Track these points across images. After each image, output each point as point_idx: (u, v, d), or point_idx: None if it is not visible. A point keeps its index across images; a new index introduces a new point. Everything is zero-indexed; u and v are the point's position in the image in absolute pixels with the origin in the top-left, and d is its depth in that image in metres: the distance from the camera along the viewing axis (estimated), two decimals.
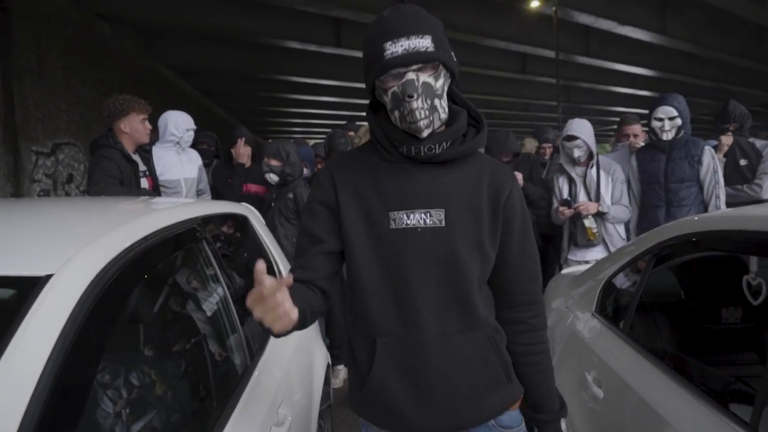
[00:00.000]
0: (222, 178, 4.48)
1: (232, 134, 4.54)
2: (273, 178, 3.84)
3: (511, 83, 18.36)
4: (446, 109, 1.22)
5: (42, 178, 7.41)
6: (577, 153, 3.42)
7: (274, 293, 1.00)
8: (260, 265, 0.99)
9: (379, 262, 1.24)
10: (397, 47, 1.14)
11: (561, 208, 3.48)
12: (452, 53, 1.22)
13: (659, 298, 2.14)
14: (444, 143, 1.22)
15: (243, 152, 4.36)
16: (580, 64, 15.66)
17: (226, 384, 1.58)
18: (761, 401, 1.20)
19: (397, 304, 1.24)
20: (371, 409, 1.31)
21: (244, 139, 4.41)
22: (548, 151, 4.86)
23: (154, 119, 3.81)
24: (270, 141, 4.47)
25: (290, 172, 3.96)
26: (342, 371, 4.07)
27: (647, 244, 2.01)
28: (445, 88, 1.21)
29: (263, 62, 14.07)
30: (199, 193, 4.09)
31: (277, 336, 1.11)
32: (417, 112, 1.16)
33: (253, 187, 4.30)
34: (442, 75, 1.19)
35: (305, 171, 4.52)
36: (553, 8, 10.97)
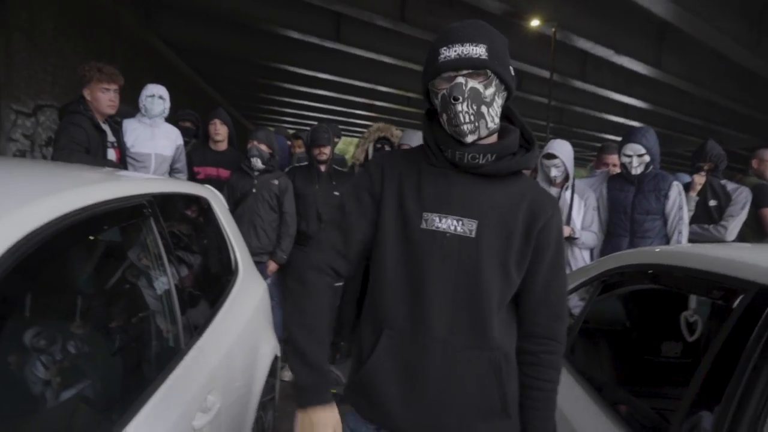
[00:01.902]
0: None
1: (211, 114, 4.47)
2: (258, 164, 3.82)
3: None
4: (496, 119, 1.23)
5: (20, 138, 7.28)
6: (554, 172, 3.44)
7: None
8: None
9: (403, 258, 1.25)
10: (450, 52, 1.18)
11: None
12: (511, 70, 1.24)
13: (604, 324, 2.16)
14: (489, 155, 1.23)
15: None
16: (575, 87, 15.81)
17: (155, 364, 1.56)
18: None
19: (411, 302, 1.25)
20: (360, 397, 1.32)
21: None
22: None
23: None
24: (258, 127, 4.42)
25: (273, 163, 3.96)
26: None
27: (597, 270, 2.03)
28: (497, 99, 1.22)
29: (262, 48, 14.00)
30: (174, 172, 4.03)
31: None
32: (461, 116, 1.18)
33: (212, 170, 4.22)
34: (493, 84, 1.20)
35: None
36: (552, 29, 11.05)
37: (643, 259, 1.83)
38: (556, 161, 3.43)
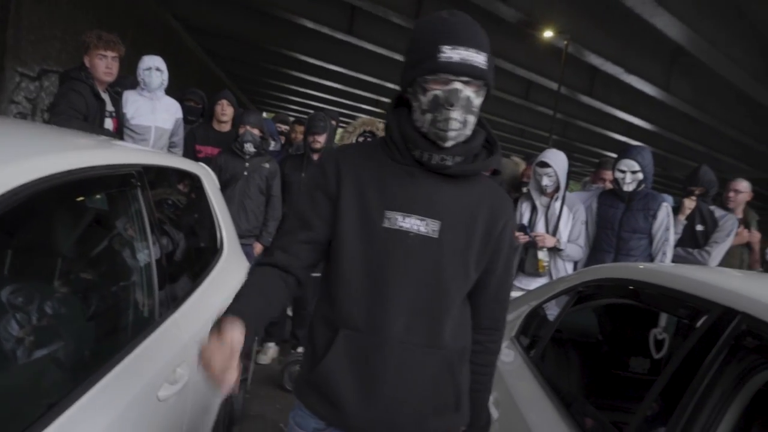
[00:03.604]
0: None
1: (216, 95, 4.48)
2: (251, 148, 3.85)
3: (511, 107, 18.49)
4: (473, 128, 1.22)
5: (22, 101, 7.28)
6: (545, 181, 3.44)
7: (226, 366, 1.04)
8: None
9: (363, 257, 1.24)
10: (453, 54, 1.13)
11: (517, 234, 3.51)
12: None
13: (577, 335, 2.19)
14: (457, 157, 1.22)
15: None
16: (582, 102, 15.84)
17: (127, 333, 1.58)
18: None
19: (370, 301, 1.24)
20: (313, 395, 1.30)
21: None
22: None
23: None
24: (251, 109, 4.45)
25: (265, 146, 3.99)
26: (272, 349, 4.08)
27: (576, 280, 2.05)
28: (479, 108, 1.21)
29: (274, 34, 14.00)
30: (171, 146, 4.05)
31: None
32: (451, 122, 1.16)
33: (213, 150, 4.23)
34: (482, 94, 1.20)
35: (273, 144, 4.53)
36: (565, 42, 11.08)
37: (621, 273, 1.86)
38: (548, 170, 3.43)
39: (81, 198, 1.50)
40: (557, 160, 3.46)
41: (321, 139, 3.87)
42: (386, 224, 1.22)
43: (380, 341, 1.23)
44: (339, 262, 1.26)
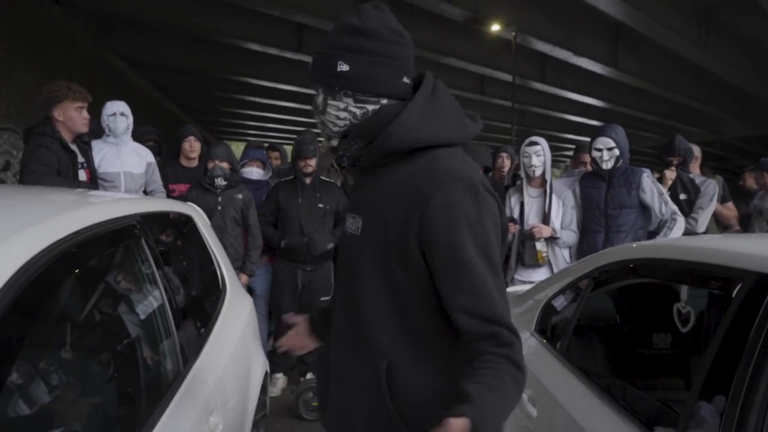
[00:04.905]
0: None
1: (181, 132, 4.37)
2: (221, 182, 3.77)
3: (468, 103, 18.70)
4: (340, 122, 1.19)
5: None
6: (534, 160, 3.48)
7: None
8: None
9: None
10: None
11: (509, 224, 3.54)
12: (340, 66, 1.13)
13: (596, 320, 2.20)
14: (352, 143, 1.18)
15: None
16: (535, 89, 16.13)
17: (156, 389, 1.51)
18: (683, 425, 1.25)
19: (332, 309, 1.29)
20: None
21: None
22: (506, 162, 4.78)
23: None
24: (217, 142, 4.37)
25: (236, 178, 3.91)
26: (280, 380, 3.99)
27: (587, 267, 2.06)
28: (333, 102, 1.17)
29: (221, 61, 13.85)
30: (150, 192, 3.93)
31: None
32: (318, 126, 1.25)
33: (182, 187, 4.13)
34: (320, 92, 1.20)
35: (263, 173, 4.43)
36: (513, 34, 11.26)
37: (641, 254, 1.84)
38: (537, 148, 3.50)
39: (92, 258, 1.44)
40: (543, 141, 3.55)
41: (312, 163, 3.80)
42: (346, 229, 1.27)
43: (328, 350, 1.27)
44: None
